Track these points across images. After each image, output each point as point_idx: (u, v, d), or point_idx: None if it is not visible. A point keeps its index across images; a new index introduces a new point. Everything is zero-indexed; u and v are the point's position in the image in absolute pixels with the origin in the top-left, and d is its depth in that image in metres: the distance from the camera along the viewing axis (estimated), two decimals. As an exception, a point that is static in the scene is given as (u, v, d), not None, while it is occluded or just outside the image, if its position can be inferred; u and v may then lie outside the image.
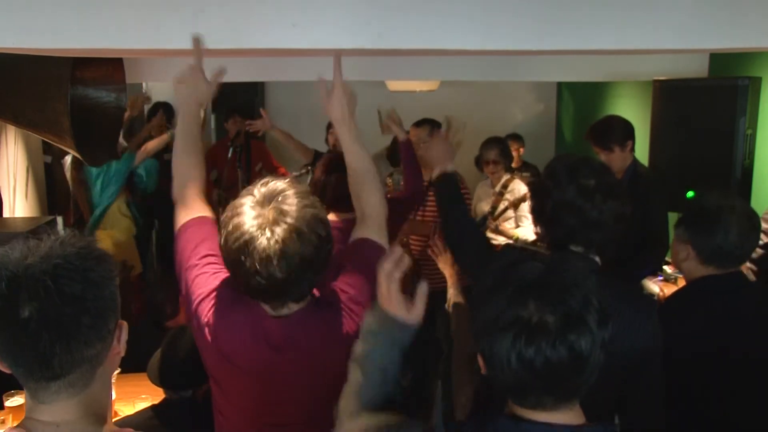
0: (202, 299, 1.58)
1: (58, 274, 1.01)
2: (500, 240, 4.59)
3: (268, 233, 1.40)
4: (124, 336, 1.14)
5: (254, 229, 1.41)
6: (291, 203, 1.45)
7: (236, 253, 1.42)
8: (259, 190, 1.48)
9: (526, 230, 4.50)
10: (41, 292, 1.00)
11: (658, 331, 1.69)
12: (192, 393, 2.24)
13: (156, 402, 2.28)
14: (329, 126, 5.07)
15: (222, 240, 1.47)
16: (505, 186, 4.58)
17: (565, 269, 1.14)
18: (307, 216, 1.45)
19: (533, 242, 4.39)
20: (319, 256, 1.46)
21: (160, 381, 2.25)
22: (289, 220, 1.42)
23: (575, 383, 1.11)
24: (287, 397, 1.59)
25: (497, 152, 4.55)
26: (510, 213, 4.51)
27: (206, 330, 1.56)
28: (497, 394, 1.23)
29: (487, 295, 1.15)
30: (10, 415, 2.41)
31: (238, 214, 1.44)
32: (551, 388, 1.10)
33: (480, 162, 4.77)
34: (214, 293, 1.58)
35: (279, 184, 1.50)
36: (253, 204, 1.45)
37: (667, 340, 1.71)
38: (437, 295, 2.39)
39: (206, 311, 1.57)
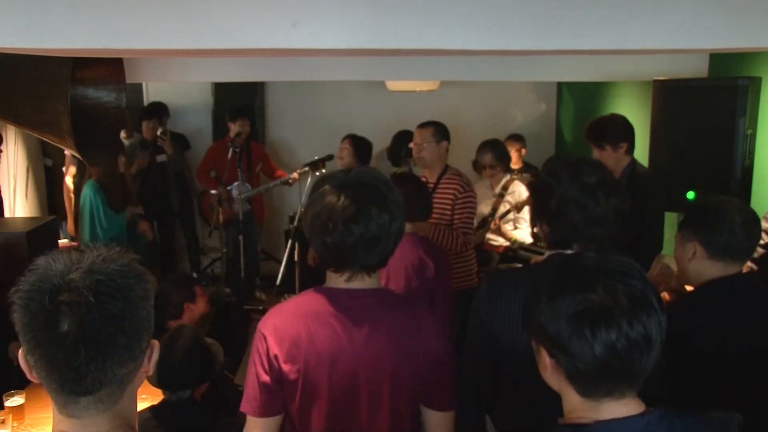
0: (273, 356, 1.60)
1: (99, 291, 1.00)
2: (500, 241, 4.61)
3: (346, 199, 1.55)
4: (155, 356, 1.13)
5: (334, 198, 1.56)
6: (374, 177, 1.61)
7: (317, 217, 1.57)
8: (337, 177, 1.64)
9: (524, 232, 4.55)
10: (83, 308, 0.98)
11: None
12: (191, 393, 2.24)
13: (155, 403, 2.28)
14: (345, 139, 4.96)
15: (308, 216, 1.61)
16: (505, 188, 4.59)
17: (616, 257, 1.18)
18: (388, 195, 1.59)
19: (530, 245, 4.43)
20: (387, 225, 1.57)
21: (158, 382, 2.25)
22: (370, 190, 1.57)
23: (643, 365, 1.12)
24: (365, 403, 1.61)
25: (492, 156, 4.55)
26: (510, 215, 4.53)
27: (292, 368, 1.58)
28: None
29: (551, 291, 1.16)
30: (10, 415, 2.41)
31: (323, 193, 1.59)
32: (626, 371, 1.11)
33: (477, 166, 4.79)
34: (272, 341, 1.60)
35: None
36: (335, 185, 1.59)
37: (692, 339, 1.76)
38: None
39: (280, 359, 1.59)
